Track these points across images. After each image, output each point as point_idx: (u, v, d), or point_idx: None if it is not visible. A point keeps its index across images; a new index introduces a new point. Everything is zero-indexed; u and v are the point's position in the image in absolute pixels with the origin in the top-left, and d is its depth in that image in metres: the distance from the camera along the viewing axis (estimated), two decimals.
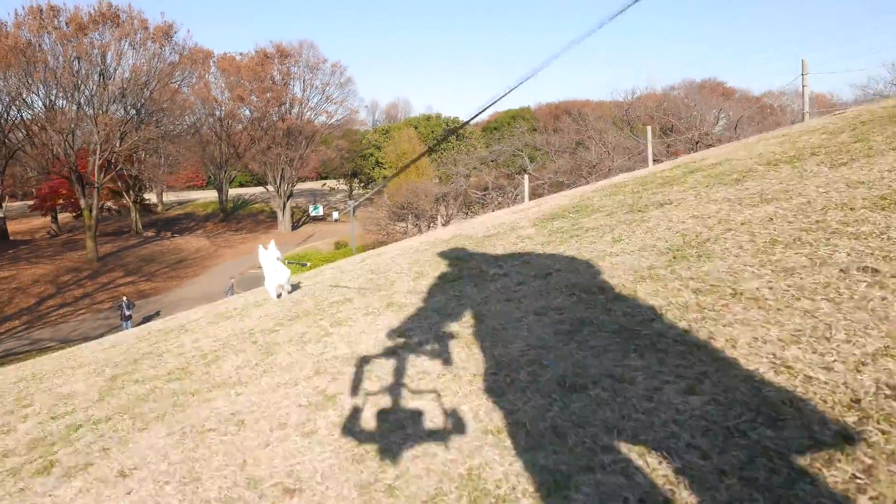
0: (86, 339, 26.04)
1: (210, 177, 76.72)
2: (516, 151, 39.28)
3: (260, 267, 7.04)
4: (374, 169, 71.53)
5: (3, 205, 53.30)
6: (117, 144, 41.47)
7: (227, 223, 65.20)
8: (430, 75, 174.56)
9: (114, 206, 61.22)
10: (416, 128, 71.67)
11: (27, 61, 37.89)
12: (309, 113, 58.43)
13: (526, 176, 20.12)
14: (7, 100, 48.33)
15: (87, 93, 40.00)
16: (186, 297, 33.71)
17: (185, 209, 76.67)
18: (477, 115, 3.68)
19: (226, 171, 68.60)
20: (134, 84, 41.50)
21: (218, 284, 36.61)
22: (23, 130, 49.29)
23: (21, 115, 50.18)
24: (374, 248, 38.81)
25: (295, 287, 6.93)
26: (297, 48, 56.83)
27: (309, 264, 35.55)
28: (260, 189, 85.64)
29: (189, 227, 63.21)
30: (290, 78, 57.06)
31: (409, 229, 38.93)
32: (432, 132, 75.55)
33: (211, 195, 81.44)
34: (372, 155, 71.45)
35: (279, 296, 6.40)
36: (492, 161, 40.27)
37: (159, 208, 73.07)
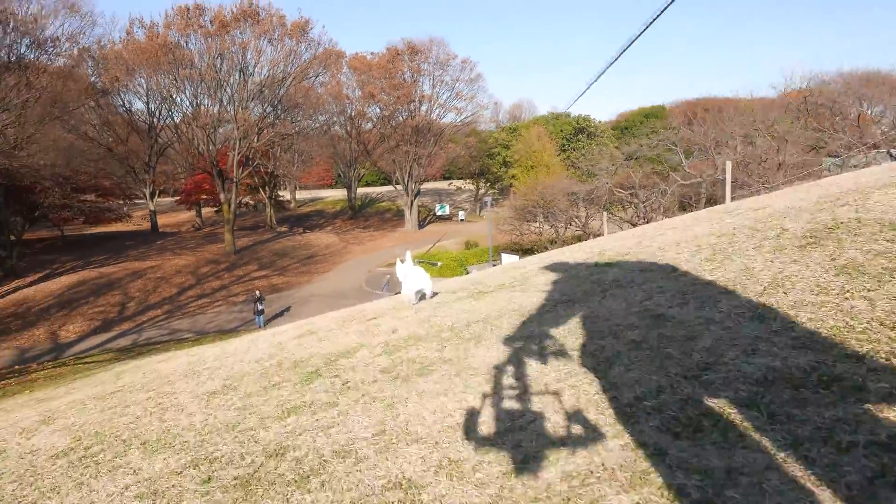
0: (220, 331, 26.11)
1: (339, 174, 78.47)
2: (670, 146, 35.79)
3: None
4: (501, 168, 69.77)
5: (154, 199, 56.76)
6: (255, 140, 42.33)
7: (355, 220, 65.96)
8: (554, 77, 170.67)
9: (250, 202, 63.57)
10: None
11: (175, 60, 39.35)
12: (438, 110, 57.69)
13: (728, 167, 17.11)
14: (159, 100, 51.34)
15: (228, 90, 41.08)
16: (316, 292, 33.46)
17: (315, 206, 78.87)
18: (580, 96, 1.67)
19: (355, 169, 69.60)
20: (271, 81, 42.19)
21: (347, 281, 36.23)
22: (172, 129, 52.20)
23: (171, 115, 53.23)
24: (507, 248, 37.12)
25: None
26: (428, 45, 56.20)
27: (440, 264, 34.34)
28: (387, 188, 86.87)
29: (319, 223, 64.46)
30: (420, 75, 56.51)
31: (545, 230, 36.66)
32: (560, 131, 72.64)
33: (339, 193, 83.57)
34: (499, 154, 69.70)
35: (421, 298, 6.14)
36: (634, 158, 37.00)
37: (292, 205, 75.46)
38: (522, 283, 5.52)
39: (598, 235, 34.93)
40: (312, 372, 3.97)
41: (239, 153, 41.31)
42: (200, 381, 4.46)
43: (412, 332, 4.48)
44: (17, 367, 21.20)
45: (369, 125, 63.54)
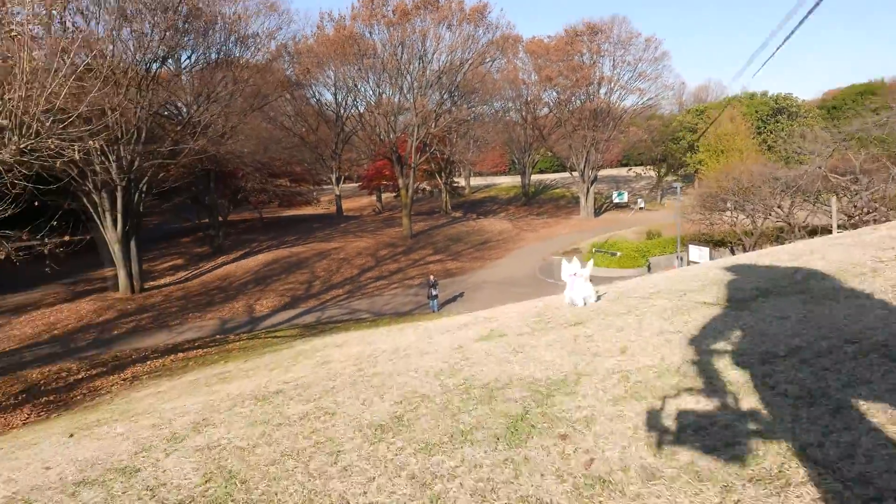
0: (396, 314, 26.62)
1: (514, 161, 78.04)
2: None
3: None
4: (685, 153, 65.01)
5: (340, 185, 60.27)
6: (432, 126, 42.94)
7: (528, 207, 65.14)
8: (747, 54, 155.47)
9: (427, 187, 65.16)
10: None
11: (359, 51, 40.92)
12: (618, 92, 54.73)
13: None
14: (345, 90, 54.15)
15: (408, 78, 41.98)
16: (489, 279, 33.13)
17: (488, 192, 79.25)
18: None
19: (529, 155, 68.71)
20: (449, 67, 42.46)
21: (520, 268, 35.54)
22: (356, 118, 54.89)
23: (356, 104, 55.95)
24: (695, 239, 34.17)
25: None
26: (609, 24, 53.45)
27: (620, 254, 32.43)
28: (560, 175, 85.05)
29: (492, 209, 64.47)
30: (600, 56, 53.92)
31: (740, 220, 33.10)
32: (756, 112, 65.97)
33: (512, 180, 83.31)
34: (684, 138, 64.95)
35: (585, 303, 6.41)
36: (853, 139, 31.95)
37: (466, 191, 76.37)
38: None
39: (805, 228, 30.81)
40: (519, 418, 2.90)
41: (417, 139, 42.15)
42: (367, 400, 3.74)
43: (663, 361, 3.31)
44: (218, 336, 23.06)
45: (545, 110, 62.16)
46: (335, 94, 55.26)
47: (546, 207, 65.24)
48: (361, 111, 50.99)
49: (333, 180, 59.25)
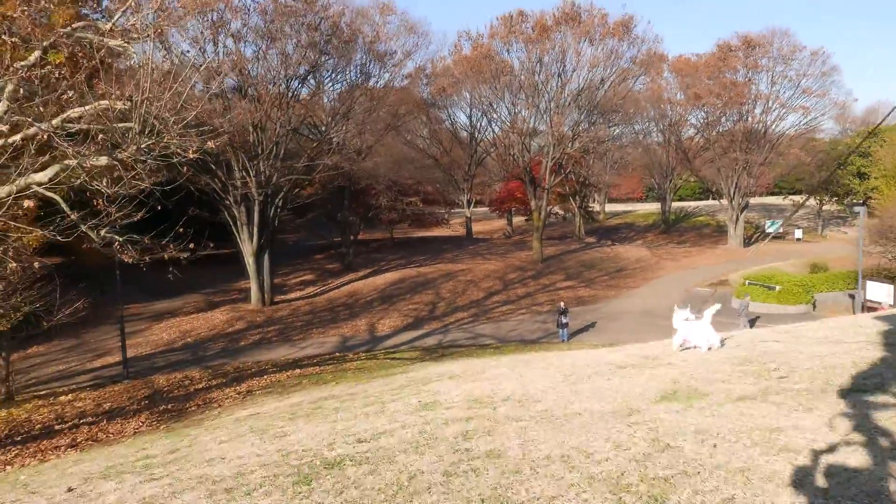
0: (522, 341, 24.82)
1: (652, 187, 73.85)
2: None
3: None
4: (853, 180, 58.03)
5: (471, 207, 59.60)
6: (569, 146, 40.94)
7: (668, 234, 60.92)
8: None
9: (559, 211, 62.75)
10: None
11: (495, 69, 39.97)
12: (777, 110, 49.63)
13: None
14: (480, 111, 53.55)
15: (545, 97, 40.38)
16: (626, 309, 30.46)
17: (624, 219, 75.44)
18: None
19: (671, 180, 64.43)
20: (589, 84, 40.40)
21: (661, 299, 32.47)
22: (489, 141, 54.15)
23: (490, 126, 55.22)
24: (874, 274, 29.57)
25: None
26: (768, 37, 48.77)
27: (779, 288, 28.63)
28: (703, 202, 79.52)
29: (628, 236, 60.98)
30: (756, 71, 49.31)
31: None
32: None
33: (649, 207, 79.01)
34: (853, 163, 57.93)
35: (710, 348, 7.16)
36: None
37: (601, 216, 73.04)
38: None
39: None
40: None
41: (552, 160, 40.30)
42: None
43: None
44: (337, 353, 22.43)
45: (690, 131, 57.97)
46: (470, 116, 54.90)
47: (688, 236, 60.64)
48: (496, 132, 50.06)
49: (464, 202, 58.68)
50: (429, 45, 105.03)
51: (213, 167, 29.10)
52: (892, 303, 25.16)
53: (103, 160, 10.61)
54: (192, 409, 15.35)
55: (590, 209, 65.82)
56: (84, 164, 10.77)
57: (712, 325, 7.91)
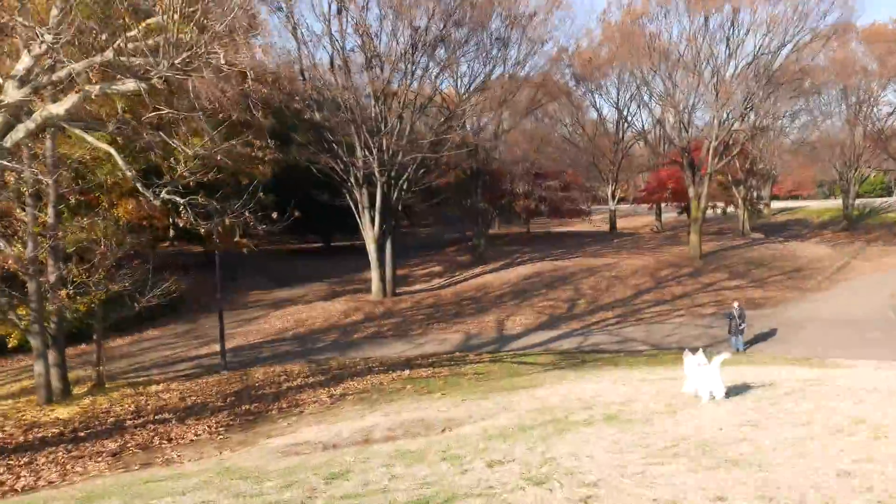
0: (681, 348, 20.20)
1: (821, 183, 64.56)
2: None
3: None
4: None
5: (615, 200, 54.35)
6: (738, 123, 34.96)
7: (852, 232, 51.88)
8: None
9: (720, 204, 55.61)
10: None
11: (650, 36, 35.05)
12: None
13: None
14: (630, 91, 48.38)
15: (710, 64, 34.72)
16: (814, 315, 24.59)
17: (793, 215, 66.29)
18: None
19: (856, 169, 55.03)
20: (764, 50, 34.16)
21: (859, 305, 26.27)
22: (638, 125, 48.90)
23: (640, 109, 49.88)
24: None
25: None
26: None
27: None
28: (892, 198, 68.58)
29: (801, 233, 52.65)
30: None
31: None
32: None
33: (820, 204, 69.50)
34: None
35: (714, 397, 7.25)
36: None
37: (765, 211, 64.43)
38: None
39: None
40: None
41: (716, 139, 34.50)
42: None
43: None
44: (457, 353, 19.19)
45: (885, 109, 48.82)
46: (617, 100, 49.91)
47: (878, 233, 51.21)
48: (650, 111, 44.66)
49: (609, 194, 53.52)
50: (573, 19, 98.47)
51: (335, 146, 27.07)
52: None
53: (130, 84, 8.01)
54: (274, 412, 12.70)
55: (756, 201, 57.97)
56: (109, 90, 8.30)
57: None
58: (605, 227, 53.79)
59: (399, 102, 27.24)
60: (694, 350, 7.72)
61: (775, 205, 72.52)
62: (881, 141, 47.34)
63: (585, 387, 9.48)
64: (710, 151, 34.72)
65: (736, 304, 20.22)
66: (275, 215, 10.71)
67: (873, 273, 34.48)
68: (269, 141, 15.38)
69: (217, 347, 20.19)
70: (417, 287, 31.20)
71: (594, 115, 55.60)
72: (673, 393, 8.20)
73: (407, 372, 15.74)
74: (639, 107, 52.15)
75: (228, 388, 15.67)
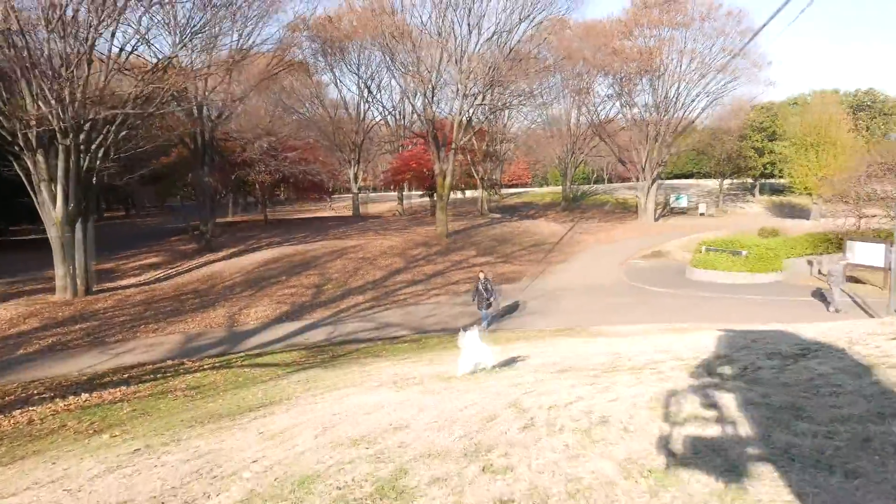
0: (445, 330, 18.00)
1: (537, 173, 70.41)
2: None
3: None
4: (752, 156, 56.36)
5: (358, 182, 51.79)
6: (480, 98, 34.45)
7: (571, 211, 56.39)
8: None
9: (462, 186, 56.34)
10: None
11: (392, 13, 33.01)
12: (697, 70, 45.37)
13: None
14: (372, 67, 46.26)
15: (452, 41, 33.62)
16: (565, 285, 24.50)
17: (521, 198, 70.85)
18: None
19: (573, 154, 60.08)
20: (501, 30, 34.15)
21: (598, 273, 27.08)
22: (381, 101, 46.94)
23: (380, 91, 48.06)
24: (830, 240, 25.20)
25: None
26: None
27: (746, 253, 23.69)
28: (600, 185, 77.63)
29: (531, 214, 55.72)
30: (675, 29, 44.79)
31: None
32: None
33: (542, 190, 77.34)
34: (751, 136, 55.98)
35: (473, 372, 7.40)
36: None
37: (496, 196, 67.60)
38: None
39: None
40: None
41: (462, 114, 33.61)
42: None
43: None
44: (171, 361, 14.48)
45: (599, 100, 53.42)
46: (358, 70, 47.31)
47: (592, 212, 56.45)
48: (396, 79, 42.59)
49: (352, 176, 50.75)
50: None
51: None
52: (884, 265, 20.72)
53: None
54: None
55: (494, 181, 60.08)
56: None
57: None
58: (349, 213, 51.21)
59: (85, 38, 20.86)
60: (468, 327, 7.77)
61: (504, 191, 77.25)
62: (598, 127, 51.51)
63: (359, 401, 6.10)
64: (456, 125, 33.77)
65: (482, 276, 18.40)
66: None
67: (600, 245, 36.77)
68: None
69: None
70: (126, 282, 25.00)
71: (336, 95, 52.75)
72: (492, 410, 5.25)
73: (84, 396, 10.82)
74: (379, 88, 50.57)
75: None
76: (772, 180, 62.07)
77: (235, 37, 31.43)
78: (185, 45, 26.49)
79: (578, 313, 19.00)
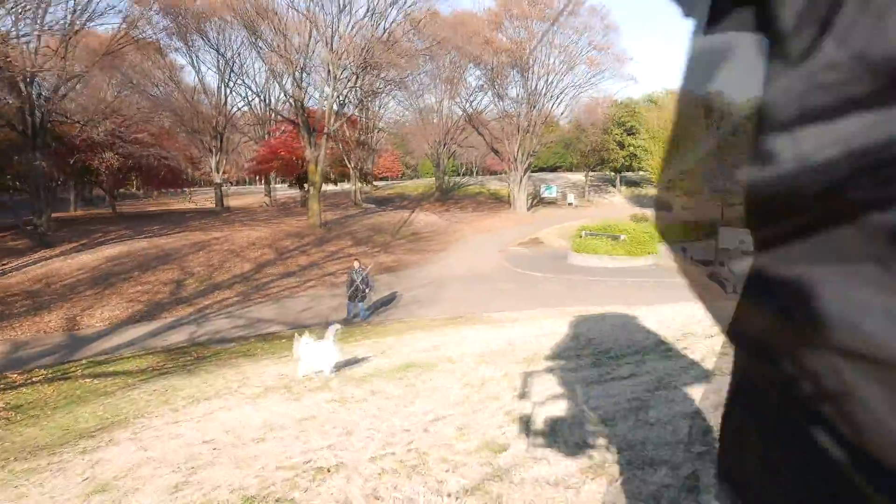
0: (325, 324, 16.56)
1: (409, 164, 70.05)
2: None
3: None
4: (615, 149, 58.97)
5: (221, 171, 48.12)
6: (353, 81, 32.83)
7: (445, 203, 56.22)
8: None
9: (333, 175, 54.23)
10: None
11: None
12: (564, 62, 46.53)
13: None
14: (234, 46, 43.00)
15: (323, 21, 31.79)
16: (447, 273, 23.83)
17: (394, 190, 70.10)
18: None
19: (445, 146, 59.92)
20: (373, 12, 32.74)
21: (478, 261, 26.68)
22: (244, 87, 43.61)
23: (243, 74, 44.85)
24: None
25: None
26: None
27: (625, 237, 24.15)
28: (471, 178, 78.54)
29: (405, 205, 54.86)
30: (542, 21, 45.61)
31: None
32: None
33: (413, 182, 77.42)
34: (612, 130, 58.58)
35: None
36: None
37: (367, 188, 66.19)
38: None
39: None
40: None
41: (336, 97, 31.92)
42: None
43: None
44: None
45: (469, 91, 53.44)
46: (217, 53, 43.82)
47: (465, 203, 56.70)
48: (263, 59, 39.69)
49: (213, 166, 46.86)
50: None
51: None
52: None
53: None
54: None
55: (367, 171, 58.47)
56: None
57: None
58: (212, 206, 47.53)
59: None
60: (300, 332, 7.41)
61: (376, 183, 76.14)
62: (471, 117, 51.50)
63: (239, 418, 4.70)
64: (328, 110, 32.02)
65: (357, 265, 17.19)
66: None
67: (477, 234, 36.57)
68: None
69: None
70: None
71: (195, 78, 48.87)
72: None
73: None
74: (242, 69, 47.21)
75: None
76: (630, 173, 65.54)
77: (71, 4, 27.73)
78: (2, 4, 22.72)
79: (465, 301, 18.27)
